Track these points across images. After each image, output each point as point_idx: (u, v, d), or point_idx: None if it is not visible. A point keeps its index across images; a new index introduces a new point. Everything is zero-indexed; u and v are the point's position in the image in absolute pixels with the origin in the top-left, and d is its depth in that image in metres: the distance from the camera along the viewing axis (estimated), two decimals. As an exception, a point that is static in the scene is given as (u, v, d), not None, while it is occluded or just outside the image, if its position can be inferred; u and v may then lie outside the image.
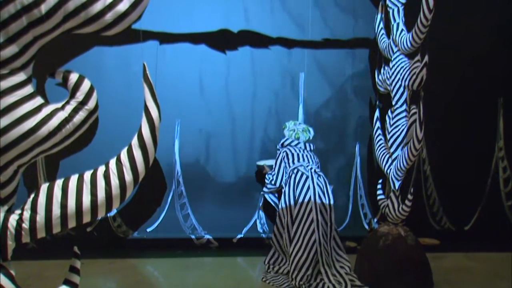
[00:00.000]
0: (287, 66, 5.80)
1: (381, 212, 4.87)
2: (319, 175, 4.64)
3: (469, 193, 6.05)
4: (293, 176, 4.61)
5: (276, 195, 4.94)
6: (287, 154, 4.85)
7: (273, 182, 4.84)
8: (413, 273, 4.13)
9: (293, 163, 4.76)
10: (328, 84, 5.93)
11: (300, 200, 4.43)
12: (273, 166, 4.94)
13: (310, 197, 4.43)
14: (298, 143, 5.00)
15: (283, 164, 4.83)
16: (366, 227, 5.91)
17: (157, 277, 4.82)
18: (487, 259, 5.26)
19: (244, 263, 5.25)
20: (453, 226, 6.09)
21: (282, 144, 5.07)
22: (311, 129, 5.19)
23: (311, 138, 5.13)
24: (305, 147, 5.00)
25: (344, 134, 5.96)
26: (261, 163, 5.48)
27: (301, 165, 4.68)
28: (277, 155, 4.97)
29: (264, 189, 4.96)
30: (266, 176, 4.95)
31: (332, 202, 4.55)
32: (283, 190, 4.67)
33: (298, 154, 4.84)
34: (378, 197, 4.66)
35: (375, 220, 5.86)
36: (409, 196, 4.14)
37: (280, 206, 4.64)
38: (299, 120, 5.72)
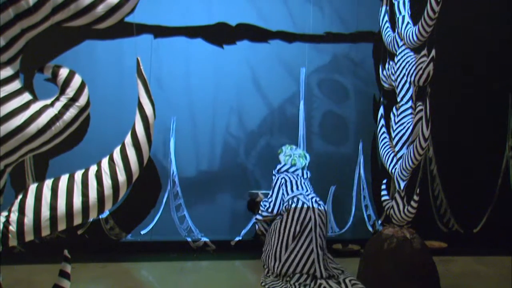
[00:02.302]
0: (287, 60, 5.69)
1: (385, 213, 4.83)
2: (319, 204, 4.57)
3: (478, 194, 5.98)
4: (293, 205, 4.51)
5: (269, 223, 4.83)
6: (285, 181, 4.77)
7: (269, 210, 4.70)
8: (420, 277, 4.03)
9: (292, 190, 4.67)
10: (330, 80, 5.83)
11: (302, 233, 4.37)
12: (270, 193, 4.83)
13: (311, 228, 4.36)
14: (296, 169, 4.93)
15: (281, 191, 4.73)
16: (370, 229, 5.83)
17: (152, 281, 4.73)
18: (497, 263, 5.18)
19: (242, 267, 5.18)
20: (461, 228, 6.01)
21: (279, 170, 4.99)
22: (307, 155, 5.14)
23: (307, 164, 5.08)
24: (302, 175, 4.93)
25: (346, 132, 5.87)
26: (254, 191, 5.44)
27: (301, 194, 4.62)
28: (274, 181, 4.87)
29: (258, 216, 4.86)
30: (261, 203, 4.86)
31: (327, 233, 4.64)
32: (283, 217, 4.54)
33: (296, 182, 4.76)
34: (383, 198, 4.60)
35: (379, 222, 5.81)
36: (415, 197, 4.08)
37: (278, 232, 4.51)
38: (300, 118, 5.65)
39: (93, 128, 4.91)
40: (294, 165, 4.94)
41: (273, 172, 5.01)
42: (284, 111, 5.68)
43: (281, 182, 4.78)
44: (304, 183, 4.80)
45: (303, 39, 5.69)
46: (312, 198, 4.59)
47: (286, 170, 4.92)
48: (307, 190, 4.71)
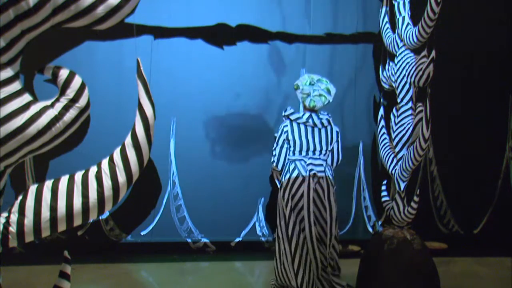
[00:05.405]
0: (287, 61, 5.67)
1: (385, 214, 4.83)
2: (320, 178, 3.99)
3: (479, 195, 5.95)
4: (288, 174, 4.01)
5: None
6: (288, 139, 4.04)
7: (274, 164, 4.13)
8: (420, 278, 4.01)
9: (293, 153, 4.02)
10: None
11: (293, 219, 3.96)
12: (275, 144, 4.15)
13: (303, 216, 3.94)
14: (309, 117, 4.04)
15: (285, 146, 4.06)
16: (370, 230, 5.82)
17: (152, 282, 4.74)
18: (498, 264, 5.19)
19: (242, 268, 5.18)
20: (461, 229, 5.99)
21: (288, 116, 4.12)
22: (331, 88, 4.13)
23: (330, 101, 4.13)
24: (315, 124, 4.05)
25: (346, 132, 5.81)
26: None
27: (302, 160, 3.98)
28: (280, 129, 4.13)
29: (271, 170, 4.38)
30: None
31: (334, 214, 4.03)
32: (279, 197, 4.13)
33: (301, 142, 3.99)
34: (383, 199, 4.56)
35: (380, 223, 5.78)
36: (415, 198, 4.06)
37: (278, 214, 4.15)
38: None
39: (93, 129, 4.87)
40: (313, 107, 4.07)
41: (283, 114, 4.18)
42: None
43: (284, 136, 4.06)
44: (313, 141, 4.01)
45: (303, 40, 5.67)
46: (311, 170, 3.94)
47: (296, 119, 4.07)
48: (313, 152, 4.01)
